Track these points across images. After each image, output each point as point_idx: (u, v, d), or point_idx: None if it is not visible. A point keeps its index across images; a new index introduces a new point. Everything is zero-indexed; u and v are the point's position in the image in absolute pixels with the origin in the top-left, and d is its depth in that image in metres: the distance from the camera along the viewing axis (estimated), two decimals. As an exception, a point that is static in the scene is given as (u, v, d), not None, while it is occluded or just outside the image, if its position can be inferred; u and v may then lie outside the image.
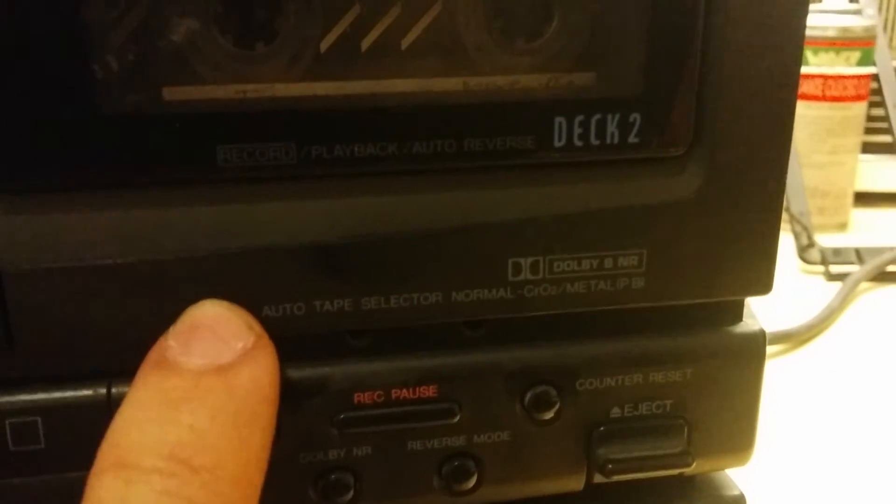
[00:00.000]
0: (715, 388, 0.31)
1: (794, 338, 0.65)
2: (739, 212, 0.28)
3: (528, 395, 0.29)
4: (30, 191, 0.24)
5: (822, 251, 0.81)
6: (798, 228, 0.83)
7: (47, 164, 0.24)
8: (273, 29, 0.25)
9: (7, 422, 0.26)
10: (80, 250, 0.25)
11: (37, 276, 0.25)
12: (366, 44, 0.26)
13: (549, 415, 0.29)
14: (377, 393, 0.28)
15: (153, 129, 0.24)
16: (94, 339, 0.26)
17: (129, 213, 0.25)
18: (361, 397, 0.28)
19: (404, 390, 0.28)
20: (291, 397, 0.27)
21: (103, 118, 0.24)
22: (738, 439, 0.31)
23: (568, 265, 0.28)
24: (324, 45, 0.26)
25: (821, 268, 0.79)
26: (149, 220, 0.25)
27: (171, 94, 0.25)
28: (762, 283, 0.29)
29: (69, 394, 0.26)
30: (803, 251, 0.82)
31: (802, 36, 0.26)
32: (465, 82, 0.27)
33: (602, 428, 0.30)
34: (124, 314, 0.25)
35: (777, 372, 0.57)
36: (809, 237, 0.82)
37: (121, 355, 0.26)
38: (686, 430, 0.31)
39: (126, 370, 0.26)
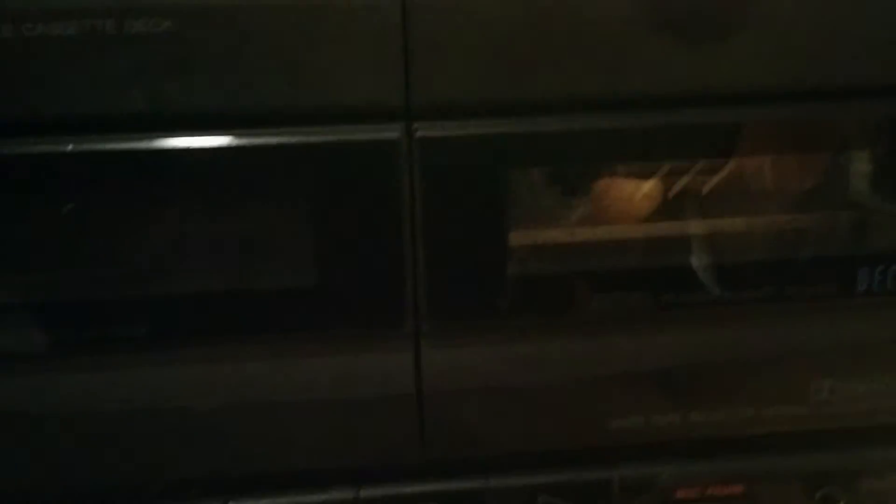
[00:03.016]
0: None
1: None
2: None
3: (818, 494, 0.35)
4: (449, 332, 0.31)
5: None
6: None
7: (466, 313, 0.31)
8: (599, 180, 0.32)
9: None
10: (481, 377, 0.32)
11: (447, 397, 0.32)
12: (671, 192, 0.33)
13: (838, 510, 0.35)
14: (695, 489, 0.34)
15: (543, 285, 0.31)
16: (480, 443, 0.32)
17: (521, 346, 0.32)
18: (683, 493, 0.34)
19: (717, 487, 0.34)
20: (625, 490, 0.34)
21: (512, 278, 0.31)
22: None
23: (860, 386, 0.33)
24: (640, 195, 0.33)
25: None
26: (534, 352, 0.32)
27: (523, 238, 0.31)
28: None
29: (459, 485, 0.33)
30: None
31: None
32: (749, 222, 0.33)
33: (884, 523, 0.35)
34: (505, 425, 0.32)
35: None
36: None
37: (500, 456, 0.33)
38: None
39: (504, 466, 0.33)
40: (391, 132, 0.28)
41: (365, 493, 0.33)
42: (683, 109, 0.29)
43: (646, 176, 0.32)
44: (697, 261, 0.32)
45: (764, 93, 0.29)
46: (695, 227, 0.32)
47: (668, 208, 0.32)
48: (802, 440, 0.34)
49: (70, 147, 0.26)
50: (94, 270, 0.28)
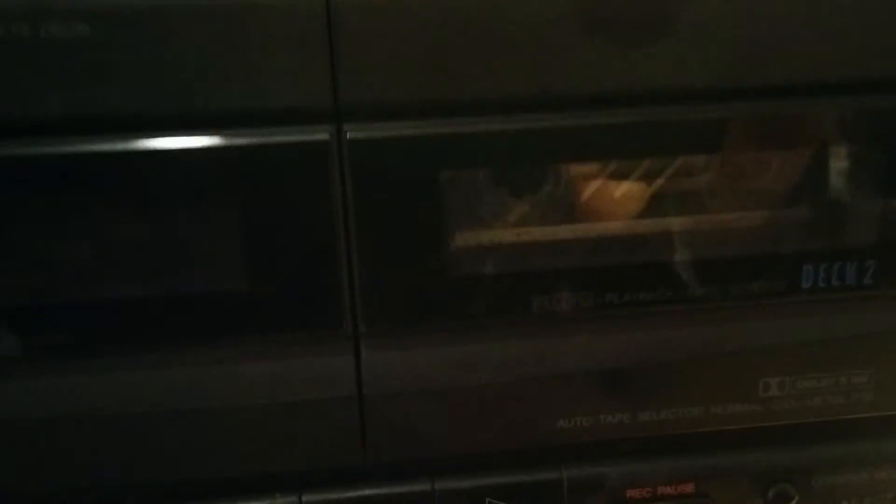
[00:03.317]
0: (930, 484, 0.35)
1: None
2: (957, 335, 0.33)
3: (771, 492, 0.34)
4: (389, 333, 0.31)
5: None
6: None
7: (405, 314, 0.30)
8: (540, 181, 0.32)
9: (356, 512, 0.33)
10: (422, 378, 0.31)
11: (389, 399, 0.31)
12: (618, 192, 0.33)
13: (790, 508, 0.34)
14: (646, 489, 0.34)
15: (484, 286, 0.31)
16: (424, 445, 0.32)
17: (463, 347, 0.31)
18: (633, 493, 0.34)
19: (668, 487, 0.34)
20: (575, 491, 0.33)
21: (451, 279, 0.30)
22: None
23: (809, 383, 0.33)
24: (584, 195, 0.32)
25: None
26: (477, 353, 0.31)
27: (461, 239, 0.31)
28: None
29: (403, 489, 0.33)
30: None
31: None
32: (698, 220, 0.33)
33: (836, 520, 0.35)
34: (449, 426, 0.32)
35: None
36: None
37: (445, 459, 0.32)
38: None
39: (449, 468, 0.32)
40: (320, 134, 0.28)
41: (307, 497, 0.32)
42: (620, 109, 0.28)
43: (590, 176, 0.32)
44: (641, 259, 0.31)
45: (701, 91, 0.29)
46: (638, 226, 0.31)
47: (611, 208, 0.32)
48: (753, 438, 0.34)
49: (-10, 154, 0.26)
50: (17, 278, 0.28)
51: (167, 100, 0.26)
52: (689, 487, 0.34)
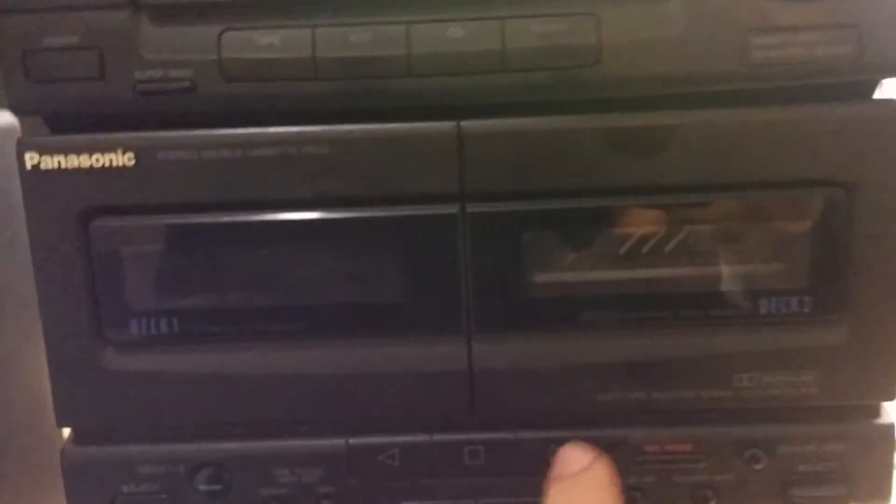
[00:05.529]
0: (864, 457, 0.51)
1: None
2: (875, 350, 0.49)
3: (746, 454, 0.51)
4: (492, 337, 0.50)
5: None
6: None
7: (506, 321, 0.49)
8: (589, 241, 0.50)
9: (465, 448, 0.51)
10: (520, 361, 0.50)
11: (489, 375, 0.50)
12: (646, 248, 0.51)
13: (759, 467, 0.51)
14: (657, 446, 0.51)
15: (548, 306, 0.49)
16: (529, 410, 0.50)
17: (544, 342, 0.50)
18: (649, 448, 0.51)
19: (672, 446, 0.51)
20: (607, 446, 0.51)
21: (531, 301, 0.49)
22: (880, 492, 0.51)
23: (769, 379, 0.50)
24: (621, 250, 0.51)
25: None
26: (548, 349, 0.50)
27: (537, 275, 0.49)
28: (890, 392, 0.50)
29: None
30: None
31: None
32: (701, 270, 0.50)
33: (793, 476, 0.51)
34: (536, 395, 0.50)
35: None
36: None
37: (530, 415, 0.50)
38: (845, 482, 0.51)
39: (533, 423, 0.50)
40: (451, 209, 0.47)
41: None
42: (641, 197, 0.47)
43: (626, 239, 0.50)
44: (657, 290, 0.49)
45: (697, 186, 0.47)
46: (654, 272, 0.49)
47: (644, 259, 0.50)
48: (733, 416, 0.51)
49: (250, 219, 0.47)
50: (258, 289, 0.48)
51: (361, 187, 0.46)
52: (686, 447, 0.51)
